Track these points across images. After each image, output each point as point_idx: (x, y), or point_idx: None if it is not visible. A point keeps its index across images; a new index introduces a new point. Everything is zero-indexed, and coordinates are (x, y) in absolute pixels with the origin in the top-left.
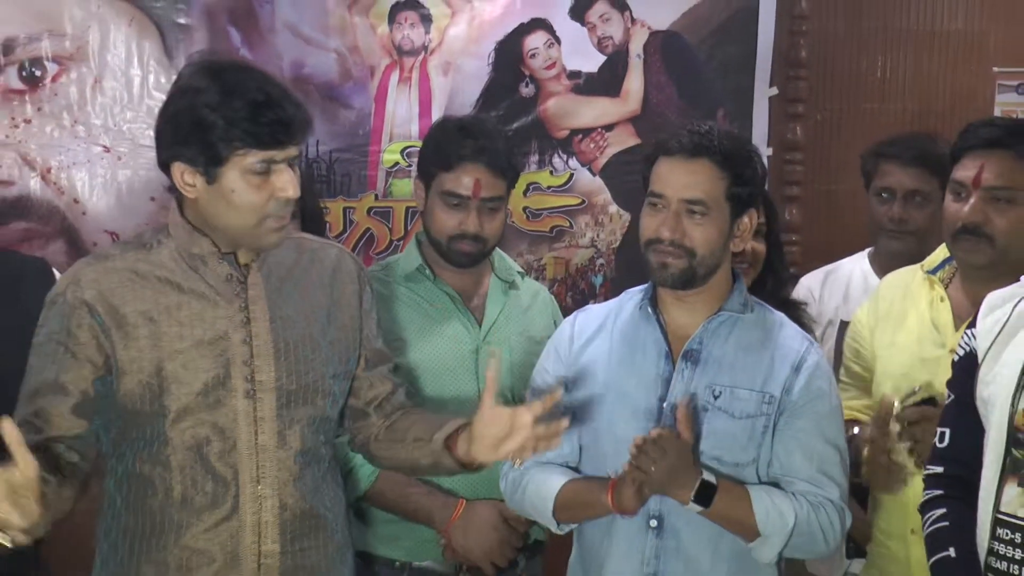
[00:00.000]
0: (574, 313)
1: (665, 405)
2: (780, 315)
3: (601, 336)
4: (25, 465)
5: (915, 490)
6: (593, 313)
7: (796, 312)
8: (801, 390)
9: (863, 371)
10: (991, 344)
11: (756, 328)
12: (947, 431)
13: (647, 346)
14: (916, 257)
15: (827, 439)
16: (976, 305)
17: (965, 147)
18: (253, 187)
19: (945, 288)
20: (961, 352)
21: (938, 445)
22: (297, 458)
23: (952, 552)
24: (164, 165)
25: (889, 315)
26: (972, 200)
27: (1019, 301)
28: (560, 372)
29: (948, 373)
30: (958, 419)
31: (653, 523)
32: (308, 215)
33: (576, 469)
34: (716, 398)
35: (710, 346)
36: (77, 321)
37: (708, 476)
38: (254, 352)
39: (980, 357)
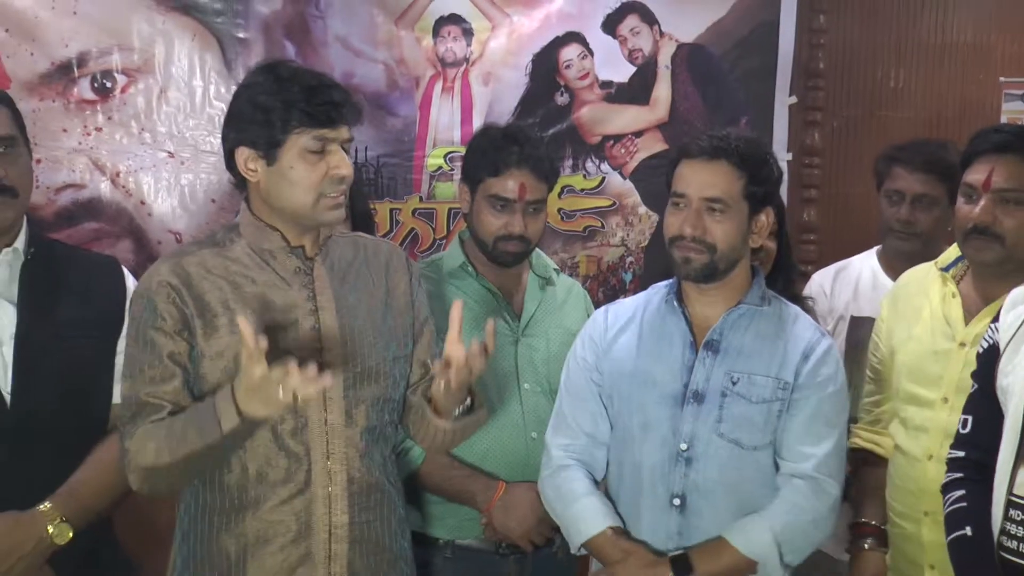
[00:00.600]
0: (605, 306)
1: (687, 390)
2: (796, 308)
3: (631, 327)
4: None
5: (927, 476)
6: (623, 306)
7: (803, 307)
8: (808, 374)
9: (879, 364)
10: (1011, 337)
11: (773, 320)
12: (969, 418)
13: (673, 336)
14: (921, 257)
15: (826, 421)
16: (986, 301)
17: (976, 152)
18: (310, 165)
19: (957, 284)
20: (985, 344)
21: (961, 431)
22: (363, 435)
23: (968, 531)
24: (229, 157)
25: (906, 310)
26: (983, 202)
27: None
28: (593, 359)
29: (959, 365)
30: (979, 407)
31: (676, 502)
32: (358, 216)
33: (597, 477)
34: (734, 384)
35: (730, 336)
36: (165, 307)
37: (674, 552)
38: (323, 337)
39: (1001, 349)
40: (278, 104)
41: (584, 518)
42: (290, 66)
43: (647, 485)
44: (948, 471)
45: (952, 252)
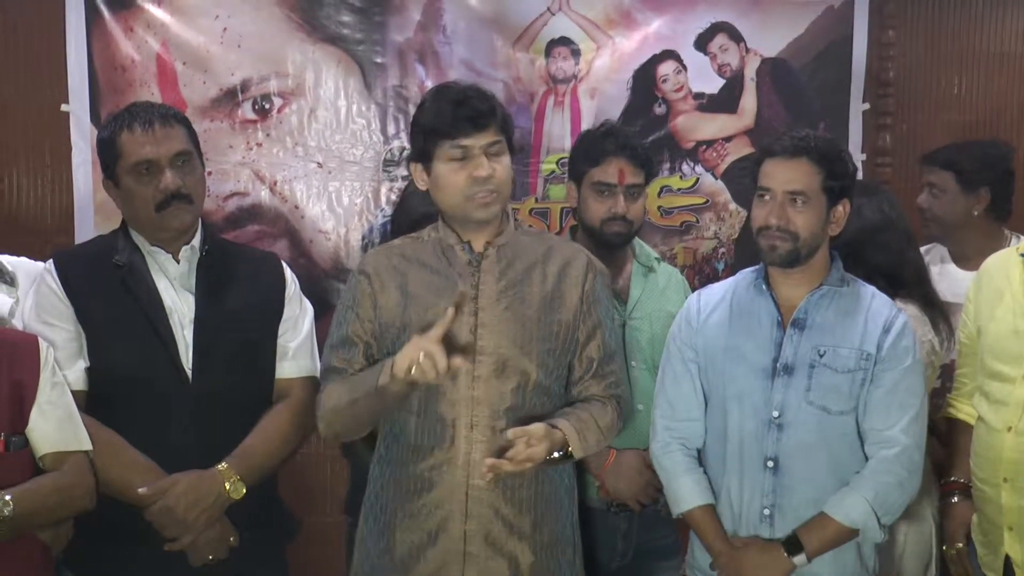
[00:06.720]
0: (697, 291)
1: (777, 364)
2: (872, 288)
3: (721, 307)
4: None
5: (1006, 446)
6: (713, 290)
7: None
8: (890, 347)
9: (967, 340)
10: None
11: (852, 299)
12: None
13: (761, 316)
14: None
15: (907, 390)
16: None
17: None
18: (452, 171)
19: None
20: None
21: None
22: (506, 413)
23: None
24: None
25: (989, 292)
26: None
27: None
28: (688, 339)
29: None
30: None
31: (770, 464)
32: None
33: (697, 447)
34: (821, 356)
35: (814, 314)
36: (360, 290)
37: (781, 536)
38: (478, 322)
39: None
40: (428, 120)
41: (683, 494)
42: (448, 85)
43: (742, 450)
44: None
45: None
